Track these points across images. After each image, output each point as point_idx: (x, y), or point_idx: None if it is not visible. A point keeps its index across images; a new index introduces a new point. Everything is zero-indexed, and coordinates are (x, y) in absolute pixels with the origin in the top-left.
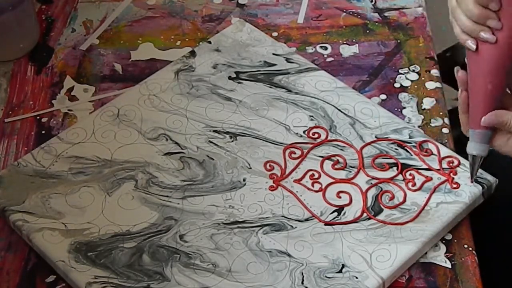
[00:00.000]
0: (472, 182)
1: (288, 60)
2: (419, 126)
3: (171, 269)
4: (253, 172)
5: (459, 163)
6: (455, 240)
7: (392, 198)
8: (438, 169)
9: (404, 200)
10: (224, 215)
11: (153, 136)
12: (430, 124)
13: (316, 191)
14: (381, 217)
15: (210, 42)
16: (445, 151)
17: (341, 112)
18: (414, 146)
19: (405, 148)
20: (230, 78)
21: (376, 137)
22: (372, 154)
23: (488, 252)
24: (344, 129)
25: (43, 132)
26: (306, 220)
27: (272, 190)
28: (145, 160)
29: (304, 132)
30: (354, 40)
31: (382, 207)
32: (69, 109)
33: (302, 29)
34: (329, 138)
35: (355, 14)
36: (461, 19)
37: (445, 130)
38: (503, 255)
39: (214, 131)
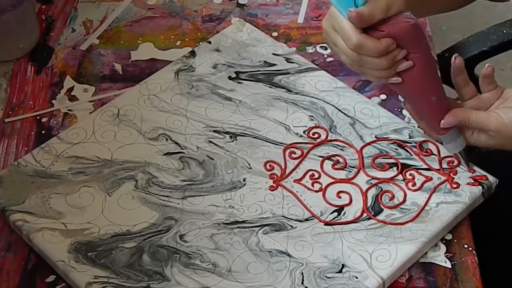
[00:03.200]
0: (470, 170)
1: (288, 60)
2: (418, 126)
3: (171, 269)
4: (253, 172)
5: (459, 163)
6: (455, 240)
7: (392, 198)
8: (438, 169)
9: (404, 200)
10: (224, 215)
11: (153, 136)
12: None
13: (316, 191)
14: (381, 217)
15: (210, 42)
16: (445, 151)
17: (341, 112)
18: (414, 146)
19: (405, 148)
20: (230, 78)
21: (376, 137)
22: (372, 154)
23: (488, 252)
24: (344, 129)
25: (43, 132)
26: (306, 220)
27: (272, 190)
28: (145, 160)
29: (304, 132)
30: None
31: (382, 207)
32: (69, 109)
33: (302, 29)
34: (329, 138)
35: None
36: (371, 73)
37: None
38: (503, 255)
39: (214, 131)
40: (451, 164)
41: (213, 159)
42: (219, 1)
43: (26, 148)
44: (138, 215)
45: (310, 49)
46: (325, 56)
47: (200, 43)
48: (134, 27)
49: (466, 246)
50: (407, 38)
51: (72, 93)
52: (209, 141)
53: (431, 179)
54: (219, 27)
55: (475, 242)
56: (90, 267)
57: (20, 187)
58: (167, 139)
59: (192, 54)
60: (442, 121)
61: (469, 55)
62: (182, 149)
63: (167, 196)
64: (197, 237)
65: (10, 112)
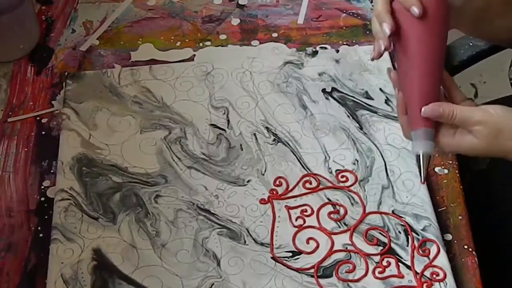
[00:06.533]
0: (423, 182)
1: (386, 101)
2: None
3: (124, 217)
4: (261, 179)
5: (444, 278)
6: (455, 241)
7: (351, 271)
8: (417, 273)
9: (358, 281)
10: (205, 199)
11: (217, 105)
12: None
13: (294, 226)
14: (323, 282)
15: (338, 51)
16: (441, 261)
17: (386, 171)
18: (418, 239)
19: (409, 236)
20: (323, 90)
21: (393, 211)
22: (373, 224)
23: (488, 252)
24: (372, 188)
25: (43, 132)
26: (261, 244)
27: (261, 203)
28: (192, 120)
29: (336, 170)
30: (354, 41)
31: (334, 274)
32: None
33: (302, 30)
34: (352, 188)
35: (355, 15)
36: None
37: None
38: (503, 255)
39: (266, 127)
40: (433, 276)
41: (242, 150)
42: (219, 2)
43: (26, 149)
44: (144, 160)
45: (310, 50)
46: None
47: (201, 43)
48: (134, 28)
49: (466, 246)
50: None
51: None
52: (254, 133)
53: (402, 277)
54: (219, 27)
55: (475, 243)
56: (74, 179)
57: (90, 90)
58: (224, 113)
59: (314, 53)
60: (424, 108)
61: None
62: (227, 127)
63: (178, 159)
64: (167, 204)
65: (10, 113)
